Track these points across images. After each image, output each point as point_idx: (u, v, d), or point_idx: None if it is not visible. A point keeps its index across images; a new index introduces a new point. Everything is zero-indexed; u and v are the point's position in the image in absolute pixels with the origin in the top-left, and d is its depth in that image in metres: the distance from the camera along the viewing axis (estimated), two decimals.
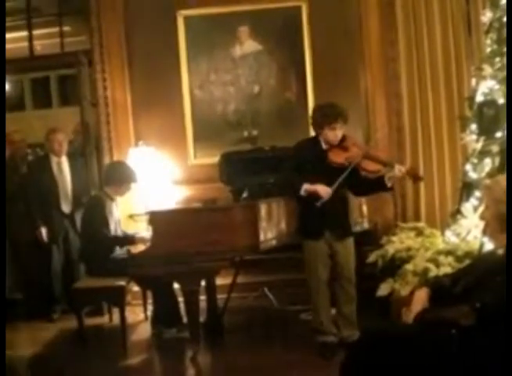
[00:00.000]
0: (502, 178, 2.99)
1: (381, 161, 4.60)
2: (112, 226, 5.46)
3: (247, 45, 6.71)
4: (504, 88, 4.97)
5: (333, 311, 4.80)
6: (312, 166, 4.57)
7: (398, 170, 4.52)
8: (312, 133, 6.33)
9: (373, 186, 4.70)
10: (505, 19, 5.10)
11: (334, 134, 4.57)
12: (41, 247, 6.14)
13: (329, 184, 4.49)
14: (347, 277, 4.70)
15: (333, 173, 4.51)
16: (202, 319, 5.16)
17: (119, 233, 5.60)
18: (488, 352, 2.63)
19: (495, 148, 4.96)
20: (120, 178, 5.53)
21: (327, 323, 4.70)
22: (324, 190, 4.46)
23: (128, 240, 5.44)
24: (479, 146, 5.18)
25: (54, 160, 6.22)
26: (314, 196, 4.48)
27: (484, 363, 2.62)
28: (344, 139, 4.62)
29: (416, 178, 4.80)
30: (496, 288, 2.69)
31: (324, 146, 4.63)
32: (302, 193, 4.50)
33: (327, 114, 4.55)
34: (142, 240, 5.21)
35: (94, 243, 5.33)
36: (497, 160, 4.94)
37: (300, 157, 4.67)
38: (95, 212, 5.41)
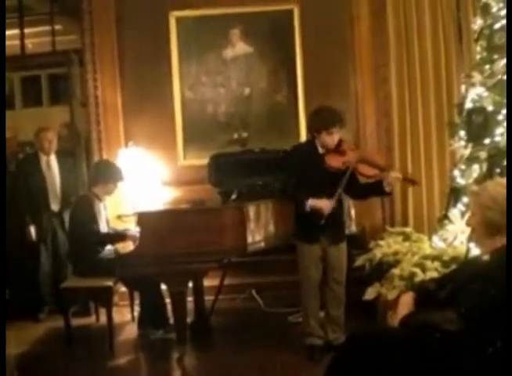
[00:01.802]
0: (490, 185, 3.00)
1: (378, 166, 4.61)
2: (101, 226, 5.45)
3: (239, 48, 6.72)
4: (493, 95, 5.00)
5: (322, 314, 4.82)
6: (309, 170, 4.58)
7: (395, 175, 4.55)
8: (303, 136, 6.44)
9: (371, 190, 4.72)
10: (496, 26, 5.14)
11: (331, 138, 4.57)
12: (30, 246, 6.13)
13: (325, 187, 4.50)
14: (338, 280, 4.72)
15: (329, 177, 4.52)
16: (189, 320, 5.17)
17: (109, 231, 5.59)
18: (473, 357, 2.64)
19: (483, 154, 4.99)
20: (106, 176, 5.51)
21: (316, 325, 4.72)
22: (327, 207, 4.47)
23: (119, 236, 5.41)
24: (467, 152, 5.21)
25: (43, 158, 6.22)
26: (317, 211, 4.50)
27: (468, 367, 2.64)
28: (340, 143, 4.63)
29: (412, 183, 4.85)
30: (481, 293, 2.71)
31: (321, 151, 4.64)
32: (307, 209, 4.50)
33: (325, 119, 4.55)
34: (133, 237, 5.20)
35: (83, 241, 5.30)
36: (485, 166, 4.97)
37: (297, 161, 4.67)
38: (84, 211, 5.39)
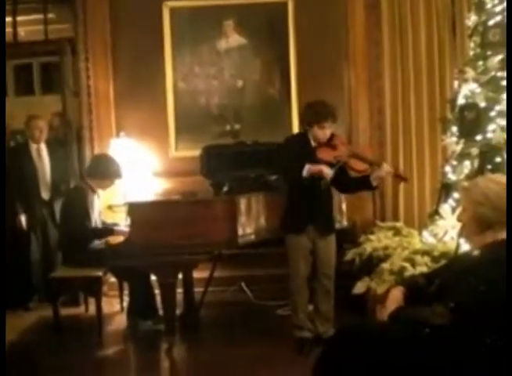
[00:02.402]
0: (481, 181, 3.01)
1: (368, 161, 4.61)
2: (92, 218, 5.43)
3: (232, 39, 6.70)
4: (486, 91, 5.01)
5: (311, 307, 4.83)
6: (301, 162, 4.58)
7: (385, 170, 4.56)
8: (295, 128, 6.44)
9: (359, 184, 4.73)
10: (490, 23, 5.14)
11: (323, 132, 4.57)
12: (20, 234, 6.11)
13: (316, 180, 4.49)
14: (327, 274, 4.73)
15: None
16: (178, 312, 5.17)
17: (99, 224, 5.56)
18: (462, 352, 2.65)
19: (474, 151, 5.00)
20: (105, 172, 5.48)
21: (305, 318, 4.73)
22: (327, 170, 4.46)
23: (107, 232, 5.40)
24: (459, 148, 5.22)
25: (33, 147, 6.19)
26: (314, 181, 4.48)
27: (457, 362, 2.65)
28: (332, 137, 4.63)
29: (401, 179, 4.86)
30: (470, 289, 2.71)
31: (313, 144, 4.64)
32: (305, 173, 4.45)
33: (318, 113, 4.55)
34: (122, 233, 5.19)
35: (72, 234, 5.30)
36: (476, 162, 4.98)
37: (289, 152, 4.67)
38: (77, 204, 5.36)
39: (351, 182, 4.74)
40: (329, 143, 4.61)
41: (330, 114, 4.57)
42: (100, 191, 5.62)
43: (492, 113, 4.93)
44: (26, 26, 7.61)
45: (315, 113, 4.57)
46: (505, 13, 4.95)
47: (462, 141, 5.21)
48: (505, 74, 4.88)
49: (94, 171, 5.52)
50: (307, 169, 4.44)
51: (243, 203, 4.78)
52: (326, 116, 4.54)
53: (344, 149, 4.61)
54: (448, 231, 5.03)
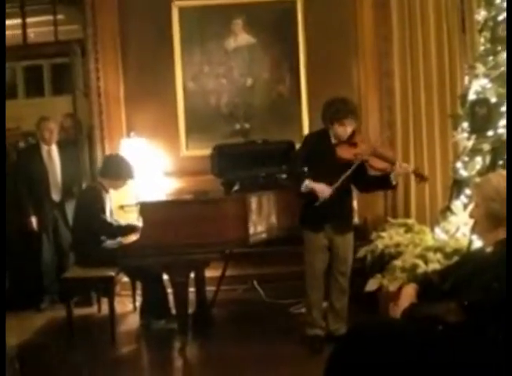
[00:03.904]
0: (493, 177, 3.00)
1: (388, 159, 4.58)
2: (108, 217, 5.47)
3: (241, 38, 6.69)
4: (496, 87, 4.99)
5: (325, 304, 4.82)
6: (320, 159, 4.57)
7: (405, 169, 4.54)
8: (305, 127, 6.44)
9: (379, 183, 4.71)
10: (499, 18, 5.12)
11: (344, 130, 4.56)
12: (31, 236, 6.13)
13: (335, 178, 4.48)
14: (343, 272, 4.72)
15: (340, 168, 4.49)
16: (191, 311, 5.17)
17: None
18: (474, 349, 2.65)
19: (486, 146, 4.98)
20: (118, 172, 5.50)
21: (318, 316, 4.73)
22: (322, 190, 4.45)
23: (130, 228, 5.35)
24: (470, 144, 5.20)
25: (44, 148, 6.22)
26: (313, 194, 4.48)
27: (469, 359, 2.64)
28: (353, 134, 4.62)
29: (421, 178, 4.73)
30: (484, 286, 2.70)
31: (333, 141, 4.63)
32: (303, 189, 4.49)
33: (338, 110, 4.54)
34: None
35: (91, 231, 5.30)
36: (488, 158, 4.96)
37: (310, 149, 4.66)
38: (95, 201, 5.37)
39: (370, 181, 4.72)
40: (350, 141, 4.59)
41: (351, 112, 4.55)
42: (111, 191, 5.63)
43: (503, 109, 4.90)
44: (35, 27, 7.64)
45: (335, 110, 4.55)
46: None
47: (473, 137, 5.19)
48: None
49: (107, 171, 5.54)
50: (305, 185, 4.47)
51: (253, 201, 4.78)
52: (346, 113, 4.52)
53: (364, 147, 4.57)
54: (460, 227, 5.02)
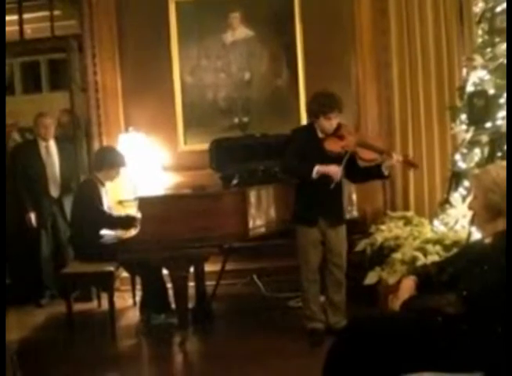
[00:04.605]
0: (491, 168, 2.99)
1: (377, 150, 4.59)
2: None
3: (239, 32, 6.68)
4: (494, 78, 4.98)
5: (322, 298, 4.82)
6: (309, 154, 4.56)
7: (395, 158, 4.55)
8: (303, 120, 6.43)
9: (370, 174, 4.73)
10: (497, 9, 5.11)
11: (330, 123, 4.57)
12: (30, 231, 6.13)
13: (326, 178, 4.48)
14: (338, 264, 4.73)
15: (329, 161, 4.50)
16: (190, 305, 5.18)
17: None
18: (474, 340, 2.65)
19: (484, 138, 4.98)
20: (109, 162, 5.52)
21: (316, 309, 4.73)
22: (335, 171, 4.45)
23: (130, 219, 5.35)
24: (469, 136, 5.20)
25: (42, 144, 6.22)
26: (325, 177, 4.47)
27: (469, 350, 2.64)
28: (339, 127, 4.62)
29: (411, 166, 4.82)
30: (483, 277, 2.70)
31: (320, 135, 4.63)
32: (314, 175, 4.46)
33: (323, 104, 4.54)
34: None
35: (91, 224, 5.30)
36: (486, 150, 4.96)
37: (298, 143, 4.66)
38: (92, 193, 5.39)
39: (361, 172, 4.72)
40: (336, 134, 4.60)
41: (336, 105, 4.55)
42: (108, 186, 5.64)
43: (501, 100, 4.90)
44: (32, 23, 7.61)
45: (320, 104, 4.56)
46: None
47: (471, 129, 5.19)
48: None
49: (100, 163, 5.56)
50: (316, 170, 4.45)
51: (252, 195, 4.78)
52: (331, 107, 4.53)
53: (351, 138, 4.59)
54: (459, 219, 5.02)
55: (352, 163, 4.60)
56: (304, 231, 4.68)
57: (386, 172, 4.57)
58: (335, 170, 4.45)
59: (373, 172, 4.65)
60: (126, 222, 5.36)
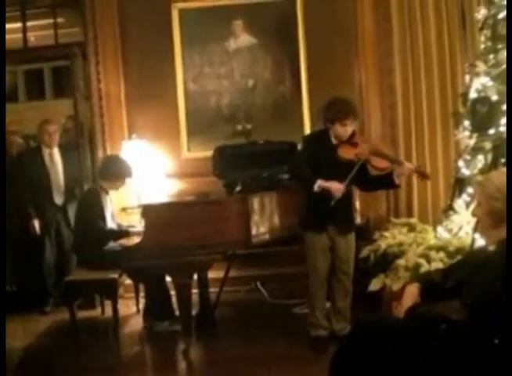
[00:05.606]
0: (495, 175, 3.00)
1: (389, 158, 4.58)
2: (107, 219, 5.47)
3: (242, 39, 6.69)
4: (497, 85, 4.99)
5: (328, 305, 4.82)
6: (321, 160, 4.55)
7: (407, 167, 4.54)
8: (306, 127, 6.44)
9: (381, 182, 4.72)
10: (499, 16, 5.12)
11: (345, 130, 4.55)
12: (34, 239, 6.14)
13: (337, 178, 4.45)
14: (345, 272, 4.72)
15: (341, 168, 4.48)
16: (194, 312, 5.17)
17: (114, 226, 5.60)
18: (477, 347, 2.64)
19: (487, 145, 4.98)
20: (116, 172, 5.53)
21: (321, 316, 4.72)
22: (337, 188, 4.41)
23: (123, 234, 5.41)
24: (472, 142, 5.20)
25: (46, 151, 6.22)
26: (326, 193, 4.45)
27: (473, 357, 2.64)
28: (353, 134, 4.61)
29: (423, 176, 4.71)
30: (487, 284, 2.70)
31: (334, 141, 4.61)
32: (316, 189, 4.46)
33: (339, 110, 4.53)
34: (138, 234, 5.20)
35: (88, 235, 5.33)
36: (490, 156, 4.96)
37: (310, 150, 4.66)
38: (92, 204, 5.42)
39: (372, 180, 4.71)
40: (350, 141, 4.58)
41: (351, 112, 4.54)
42: (112, 194, 5.65)
43: (504, 107, 4.90)
44: (36, 31, 7.65)
45: (336, 110, 4.55)
46: None
47: (475, 135, 5.18)
48: None
49: (106, 172, 5.57)
50: (318, 185, 4.43)
51: (256, 202, 4.78)
52: (347, 113, 4.52)
53: (365, 146, 4.56)
54: (462, 226, 5.01)
55: (364, 171, 4.59)
56: (312, 237, 4.66)
57: (397, 181, 4.56)
58: (337, 187, 4.42)
59: (384, 181, 4.64)
60: (120, 235, 5.38)
